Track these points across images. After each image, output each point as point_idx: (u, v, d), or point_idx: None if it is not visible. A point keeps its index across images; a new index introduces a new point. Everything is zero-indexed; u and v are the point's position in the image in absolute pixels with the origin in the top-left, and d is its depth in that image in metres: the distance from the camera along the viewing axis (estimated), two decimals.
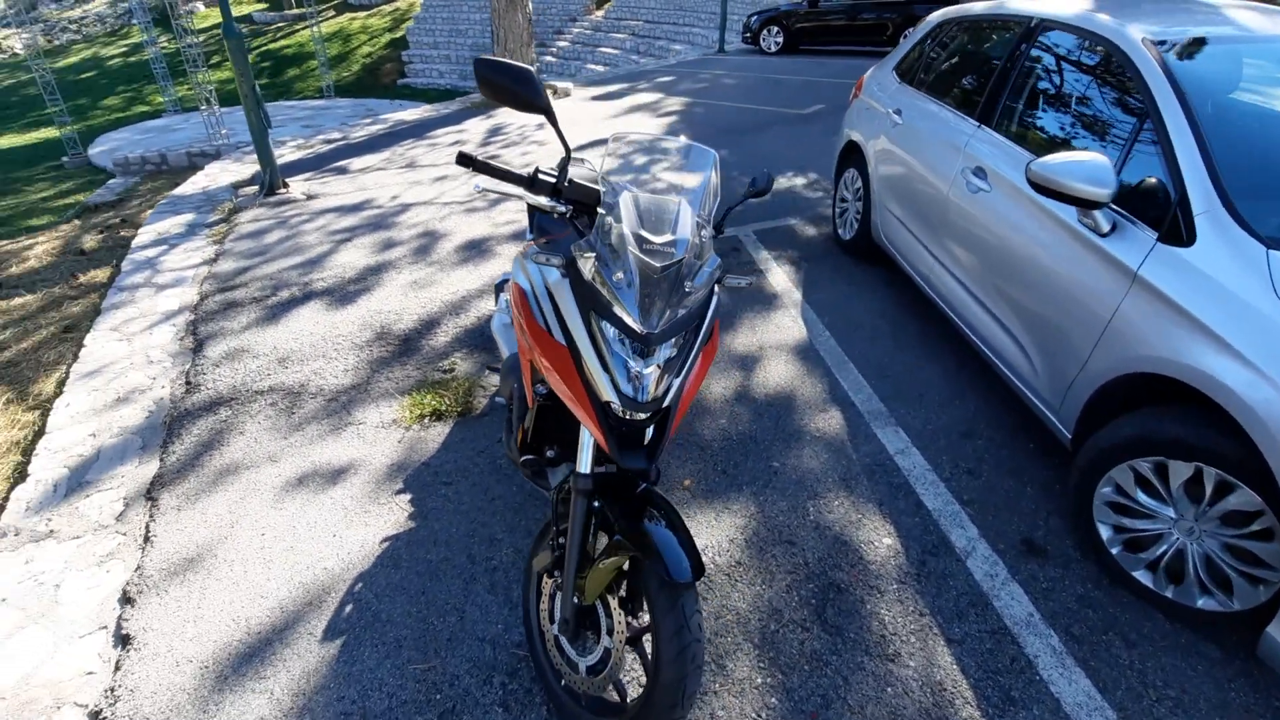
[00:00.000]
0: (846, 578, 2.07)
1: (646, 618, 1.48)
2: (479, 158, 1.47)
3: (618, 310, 1.34)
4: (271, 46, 18.20)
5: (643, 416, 1.38)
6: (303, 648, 1.88)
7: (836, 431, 2.68)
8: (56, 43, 17.65)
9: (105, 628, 1.96)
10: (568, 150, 1.46)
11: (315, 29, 14.97)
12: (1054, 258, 2.25)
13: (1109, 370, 1.99)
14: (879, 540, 2.19)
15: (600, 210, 1.40)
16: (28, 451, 2.69)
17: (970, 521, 2.26)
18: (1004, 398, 2.83)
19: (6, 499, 2.45)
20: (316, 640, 1.89)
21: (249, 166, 6.26)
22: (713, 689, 1.76)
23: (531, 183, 1.50)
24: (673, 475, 2.47)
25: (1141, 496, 1.89)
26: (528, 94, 1.37)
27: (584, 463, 1.46)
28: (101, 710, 1.74)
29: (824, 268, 4.01)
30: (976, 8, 3.42)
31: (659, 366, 1.36)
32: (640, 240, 1.37)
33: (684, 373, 1.41)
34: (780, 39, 12.25)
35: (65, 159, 11.75)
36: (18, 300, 4.11)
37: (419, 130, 7.47)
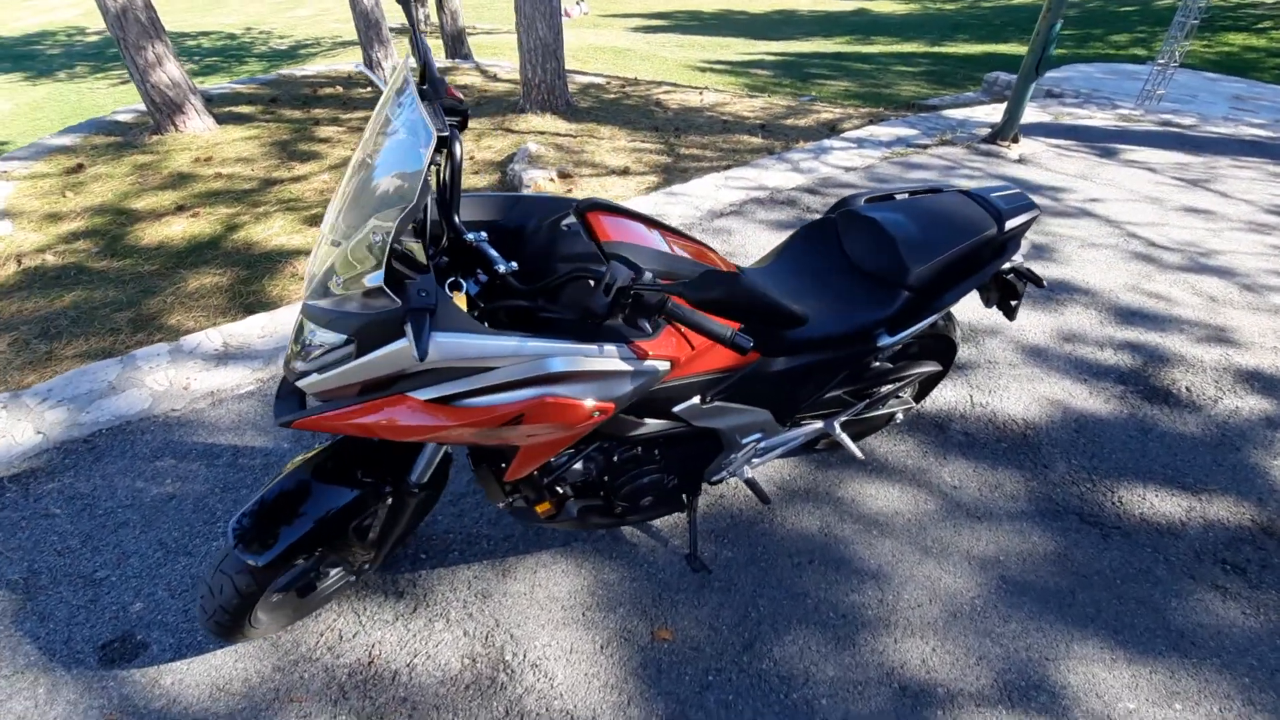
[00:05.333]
0: None
1: None
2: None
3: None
4: None
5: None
6: None
7: None
8: None
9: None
10: (417, 53, 1.15)
11: None
12: None
13: None
14: None
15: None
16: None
17: None
18: None
19: None
20: None
21: (1036, 115, 5.71)
22: None
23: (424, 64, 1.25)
24: (673, 615, 1.75)
25: None
26: None
27: None
28: None
29: None
30: None
31: (306, 343, 1.11)
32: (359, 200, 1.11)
33: (325, 374, 1.10)
34: None
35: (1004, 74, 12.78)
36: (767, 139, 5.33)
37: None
